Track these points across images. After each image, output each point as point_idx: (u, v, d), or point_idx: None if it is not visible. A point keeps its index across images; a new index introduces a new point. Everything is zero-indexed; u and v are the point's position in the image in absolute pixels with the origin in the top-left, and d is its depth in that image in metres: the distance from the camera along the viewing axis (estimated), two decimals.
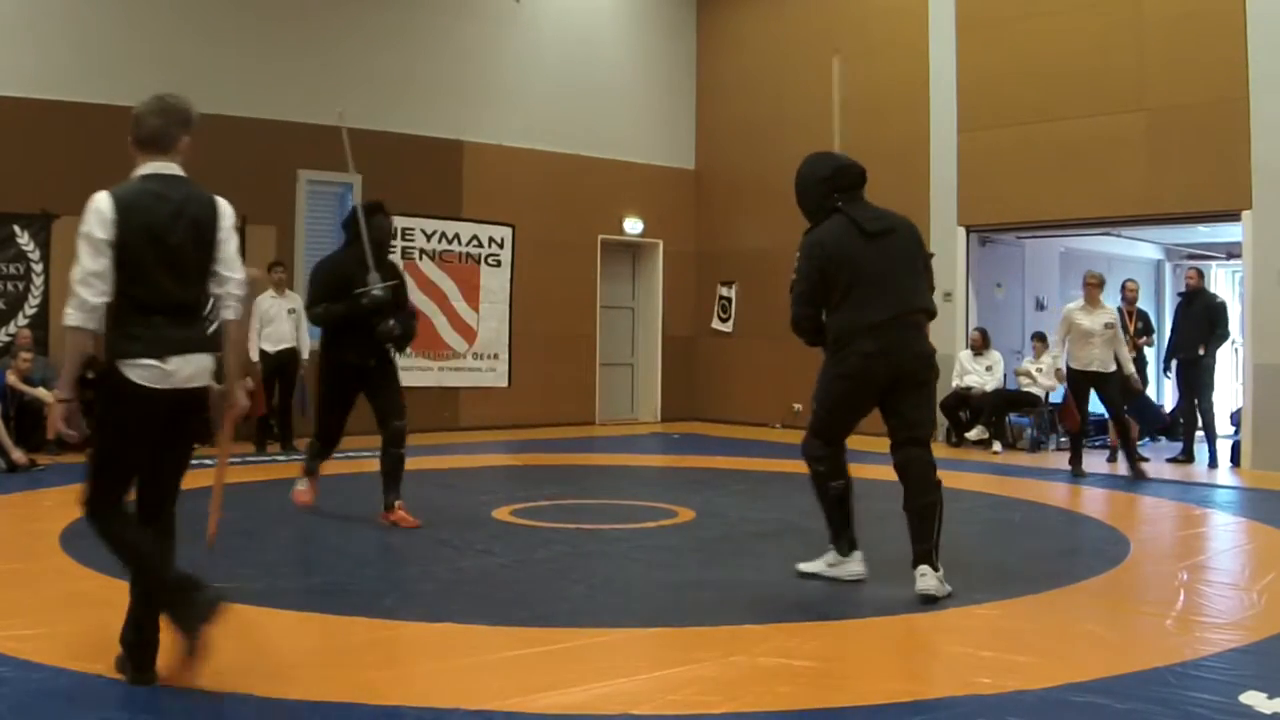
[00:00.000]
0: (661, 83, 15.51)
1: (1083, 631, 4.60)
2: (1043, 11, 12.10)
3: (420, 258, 13.28)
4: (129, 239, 3.56)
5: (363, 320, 6.73)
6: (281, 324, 11.10)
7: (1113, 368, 9.83)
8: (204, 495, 4.35)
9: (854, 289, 5.15)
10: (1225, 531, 7.41)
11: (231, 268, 3.80)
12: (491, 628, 4.55)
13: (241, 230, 12.02)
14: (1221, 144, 10.73)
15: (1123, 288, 11.76)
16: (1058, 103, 11.90)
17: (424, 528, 6.73)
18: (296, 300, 11.33)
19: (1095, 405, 10.41)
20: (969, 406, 12.39)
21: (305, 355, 11.12)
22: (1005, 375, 12.54)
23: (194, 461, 3.90)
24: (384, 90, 12.79)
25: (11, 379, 9.83)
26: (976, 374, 12.36)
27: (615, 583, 5.57)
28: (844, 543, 5.36)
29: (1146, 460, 10.14)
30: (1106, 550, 6.34)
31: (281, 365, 11.08)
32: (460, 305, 13.62)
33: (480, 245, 13.81)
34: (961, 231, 12.90)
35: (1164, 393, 13.93)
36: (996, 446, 11.88)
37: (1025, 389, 12.36)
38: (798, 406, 13.76)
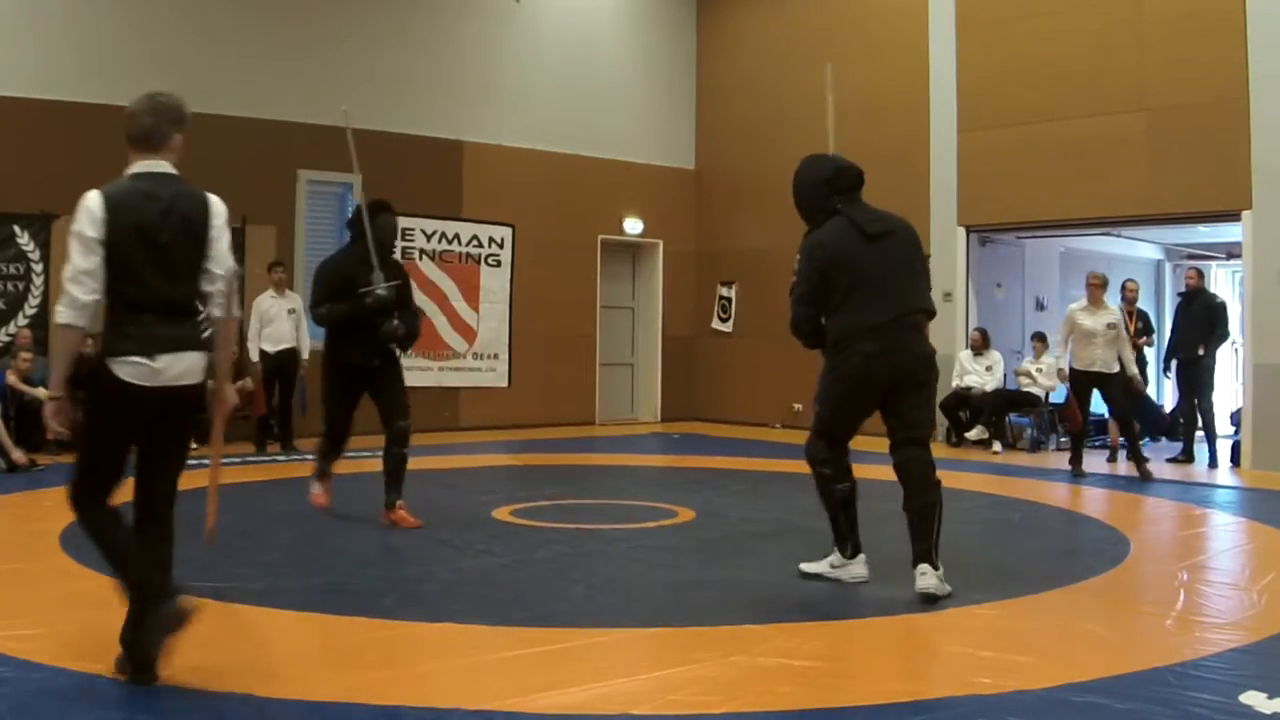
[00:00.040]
0: (661, 83, 15.51)
1: (1083, 631, 4.60)
2: (1043, 11, 12.10)
3: (420, 258, 13.28)
4: (119, 237, 3.58)
5: (366, 320, 6.71)
6: (281, 324, 11.10)
7: (1116, 368, 9.82)
8: (203, 496, 4.34)
9: (855, 291, 5.15)
10: (1225, 531, 7.41)
11: (223, 265, 3.79)
12: (491, 628, 4.55)
13: (241, 230, 12.12)
14: (1221, 144, 10.73)
15: (1122, 288, 11.76)
16: (1058, 103, 11.90)
17: (424, 528, 6.73)
18: (296, 300, 11.34)
19: (1096, 406, 10.41)
20: (969, 406, 12.39)
21: (305, 355, 11.13)
22: (1005, 375, 12.54)
23: (193, 461, 3.90)
24: (384, 90, 12.79)
25: (11, 379, 9.83)
26: (976, 374, 12.36)
27: (615, 583, 5.57)
28: (848, 546, 5.37)
29: (1148, 460, 10.14)
30: (1106, 550, 6.34)
31: (281, 365, 11.08)
32: (460, 305, 13.62)
33: (480, 245, 13.81)
34: (961, 231, 12.90)
35: (1164, 393, 13.93)
36: (996, 446, 11.89)
37: (1025, 389, 12.36)
38: (798, 406, 13.76)
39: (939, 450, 11.63)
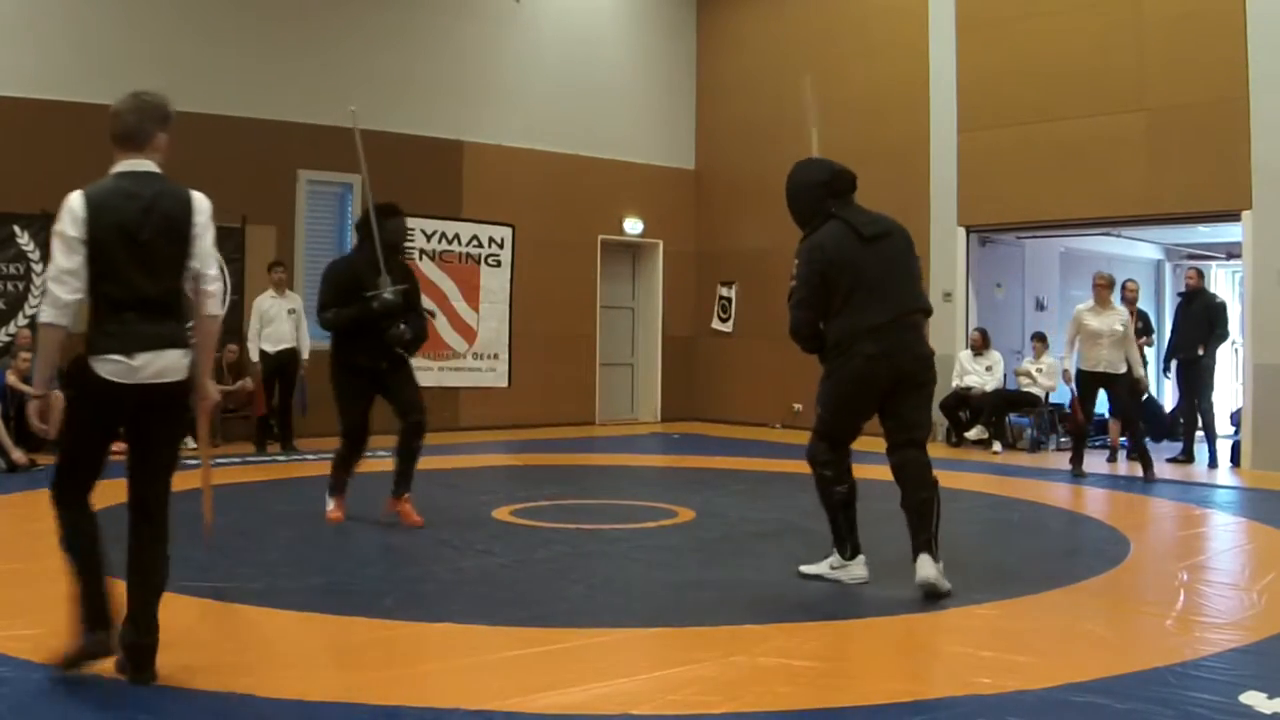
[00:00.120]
0: (661, 83, 15.51)
1: (1083, 631, 4.60)
2: (1043, 11, 12.10)
3: (420, 258, 13.27)
4: (100, 236, 3.60)
5: (373, 324, 6.68)
6: (281, 324, 11.10)
7: (1122, 369, 9.77)
8: (200, 495, 4.35)
9: (855, 293, 5.16)
10: (1225, 531, 7.41)
11: (205, 263, 3.79)
12: (491, 628, 4.55)
13: (241, 230, 12.12)
14: (1221, 144, 10.73)
15: (1122, 288, 11.73)
16: (1058, 103, 11.90)
17: (425, 527, 6.73)
18: (296, 300, 11.34)
19: (1097, 405, 10.40)
20: (969, 406, 12.39)
21: (305, 355, 11.13)
22: (1005, 375, 12.54)
23: (191, 461, 3.90)
24: (384, 90, 12.78)
25: (11, 379, 9.83)
26: (976, 374, 12.36)
27: (615, 583, 5.57)
28: (847, 547, 5.37)
29: (1152, 464, 10.11)
30: (1106, 550, 6.34)
31: (281, 365, 11.08)
32: (460, 305, 13.62)
33: (480, 245, 13.80)
34: (961, 231, 12.89)
35: (1164, 393, 13.93)
36: (996, 446, 11.89)
37: (1025, 389, 12.36)
38: (798, 406, 13.76)
39: (939, 450, 11.65)
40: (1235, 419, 11.97)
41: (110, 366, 3.60)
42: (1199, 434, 11.02)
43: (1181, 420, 11.53)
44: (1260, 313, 10.59)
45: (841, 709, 3.60)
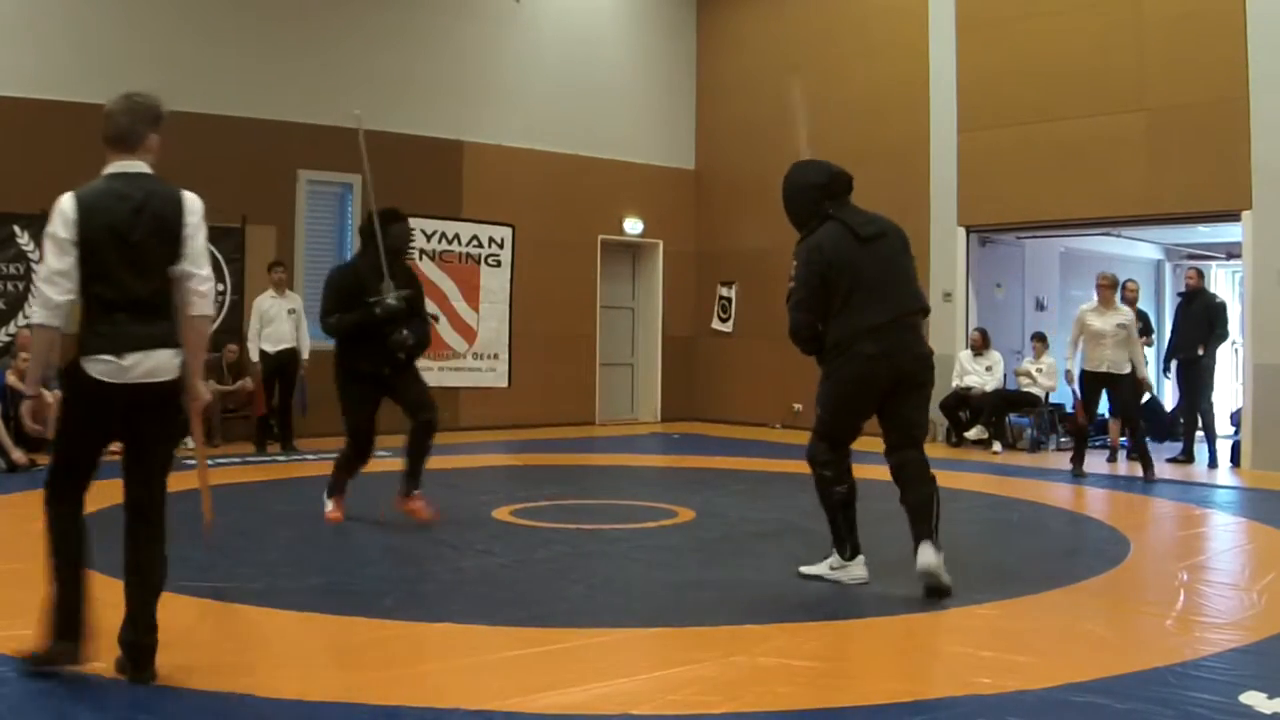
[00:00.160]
0: (661, 83, 15.51)
1: (1083, 631, 4.60)
2: (1043, 11, 12.10)
3: (420, 258, 13.26)
4: (91, 237, 3.62)
5: (376, 329, 6.68)
6: (281, 324, 11.10)
7: (1126, 369, 9.75)
8: (198, 494, 4.35)
9: (854, 294, 5.17)
10: (1225, 531, 7.41)
11: (197, 264, 3.79)
12: (491, 628, 4.55)
13: (241, 230, 12.11)
14: (1221, 144, 10.73)
15: (1122, 287, 11.72)
16: (1058, 103, 11.90)
17: (424, 527, 6.73)
18: (296, 300, 11.34)
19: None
20: (969, 406, 12.39)
21: (305, 355, 11.13)
22: (1005, 375, 12.54)
23: (190, 461, 3.90)
24: (384, 90, 12.78)
25: (11, 379, 9.83)
26: (976, 374, 12.36)
27: (615, 583, 5.57)
28: (847, 547, 5.37)
29: (1153, 465, 10.10)
30: (1106, 550, 6.34)
31: (281, 365, 11.08)
32: (460, 305, 13.61)
33: (480, 245, 13.80)
34: (961, 231, 12.89)
35: (1164, 393, 13.92)
36: (996, 446, 11.88)
37: (1025, 389, 12.36)
38: (798, 406, 13.76)
39: (939, 450, 11.65)
40: (1235, 419, 11.97)
41: (101, 366, 3.62)
42: (1199, 434, 11.02)
43: (1181, 420, 11.53)
44: (1260, 313, 10.59)
45: (841, 709, 3.60)
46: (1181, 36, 11.00)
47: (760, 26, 14.97)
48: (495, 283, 13.91)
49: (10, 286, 10.83)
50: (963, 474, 9.34)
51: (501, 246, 13.94)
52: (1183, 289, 11.80)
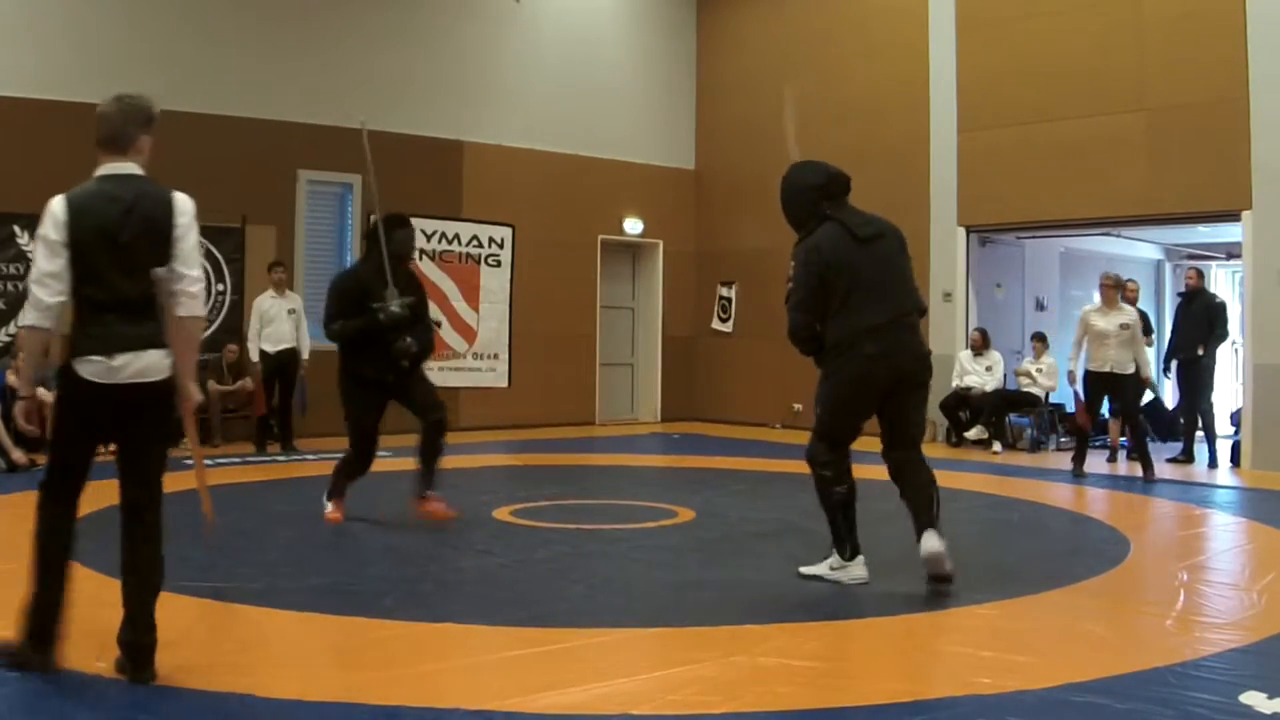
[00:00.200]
0: (661, 83, 15.51)
1: (1083, 631, 4.60)
2: (1043, 11, 12.10)
3: (420, 258, 13.26)
4: (81, 239, 3.64)
5: (380, 336, 6.66)
6: (281, 324, 11.10)
7: (1129, 369, 9.72)
8: (198, 497, 4.34)
9: (852, 294, 5.18)
10: (1225, 531, 7.41)
11: (188, 264, 3.78)
12: (491, 628, 4.55)
13: (241, 230, 12.11)
14: (1221, 144, 10.73)
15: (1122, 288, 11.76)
16: (1058, 103, 11.90)
17: (424, 527, 6.73)
18: (296, 300, 11.35)
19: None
20: (969, 406, 12.38)
21: (305, 355, 11.14)
22: (1005, 375, 12.54)
23: (188, 462, 3.90)
24: (384, 90, 12.78)
25: (11, 379, 9.82)
26: (976, 374, 12.36)
27: (615, 583, 5.57)
28: (847, 547, 5.37)
29: (1153, 466, 10.09)
30: (1106, 550, 6.34)
31: (281, 365, 11.08)
32: (460, 305, 13.62)
33: (480, 245, 13.81)
34: (961, 231, 12.89)
35: (1164, 393, 13.92)
36: (996, 446, 11.88)
37: (1025, 389, 12.36)
38: (798, 406, 13.76)
39: (939, 450, 11.64)
40: (1235, 419, 11.97)
41: (91, 367, 3.64)
42: (1199, 434, 11.01)
43: (1182, 420, 11.53)
44: (1260, 313, 10.59)
45: (841, 709, 3.60)
46: (1181, 36, 11.00)
47: (760, 26, 14.97)
48: (495, 283, 13.92)
49: (10, 286, 10.83)
50: (963, 474, 9.34)
51: (501, 246, 13.94)
52: (1183, 289, 11.80)
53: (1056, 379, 12.27)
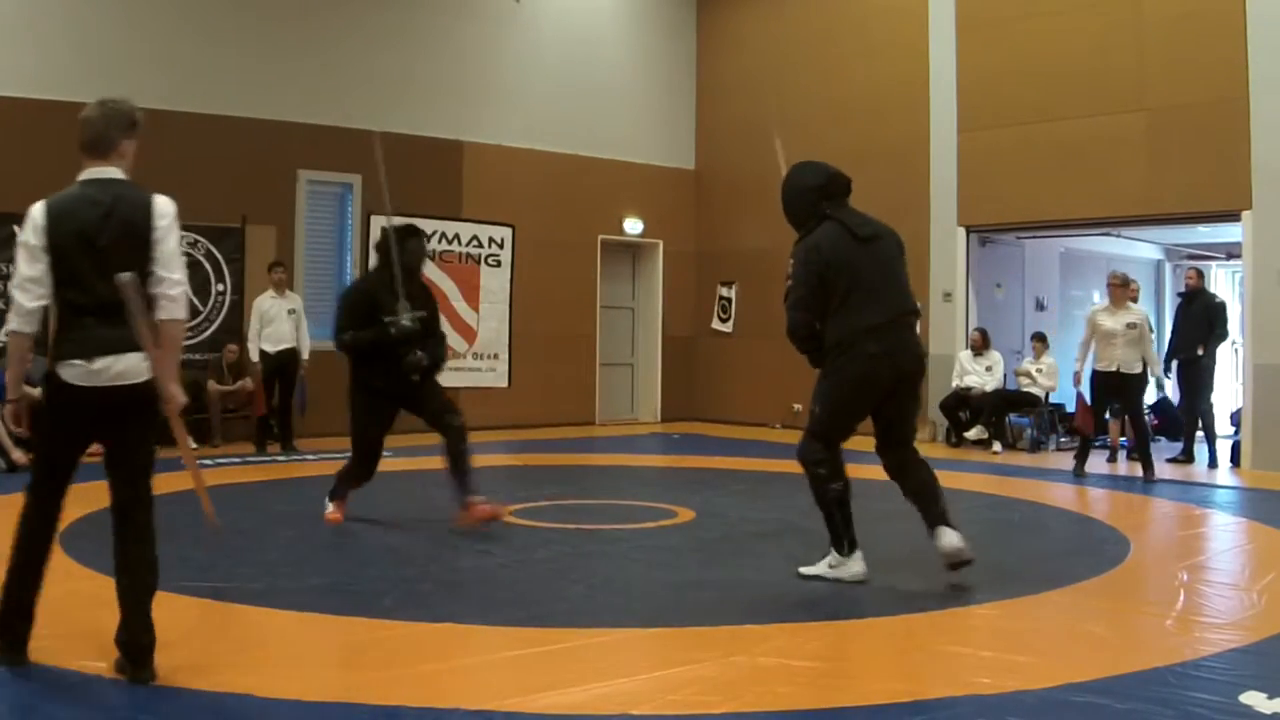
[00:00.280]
0: (661, 83, 15.51)
1: (1083, 631, 4.60)
2: (1043, 11, 12.10)
3: None
4: (60, 243, 3.67)
5: (391, 348, 6.64)
6: (281, 324, 11.10)
7: (1137, 368, 9.68)
8: (197, 499, 4.34)
9: (852, 293, 5.20)
10: (1225, 531, 7.41)
11: (168, 267, 3.78)
12: (491, 628, 4.55)
13: (241, 230, 12.11)
14: (1221, 144, 10.72)
15: None
16: (1058, 103, 11.90)
17: (424, 528, 6.73)
18: (297, 300, 11.34)
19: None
20: (969, 406, 12.38)
21: (305, 355, 11.14)
22: (1005, 375, 12.54)
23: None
24: (384, 90, 12.79)
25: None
26: (976, 374, 12.35)
27: (615, 583, 5.57)
28: (844, 543, 5.37)
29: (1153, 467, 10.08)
30: (1106, 550, 6.34)
31: (281, 365, 11.07)
32: (460, 305, 13.62)
33: (480, 245, 13.81)
34: (961, 231, 12.89)
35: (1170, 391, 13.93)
36: (996, 446, 11.88)
37: (1025, 389, 12.36)
38: (798, 406, 13.74)
39: (939, 450, 11.64)
40: (1235, 419, 11.96)
41: (72, 371, 3.68)
42: (1199, 434, 11.01)
43: (1182, 420, 11.52)
44: (1260, 313, 10.59)
45: (841, 709, 3.60)
46: (1181, 36, 11.00)
47: (760, 26, 14.97)
48: (495, 283, 13.92)
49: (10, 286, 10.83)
50: (963, 474, 9.34)
51: (501, 246, 13.95)
52: (1183, 289, 11.80)
53: (1056, 379, 12.27)
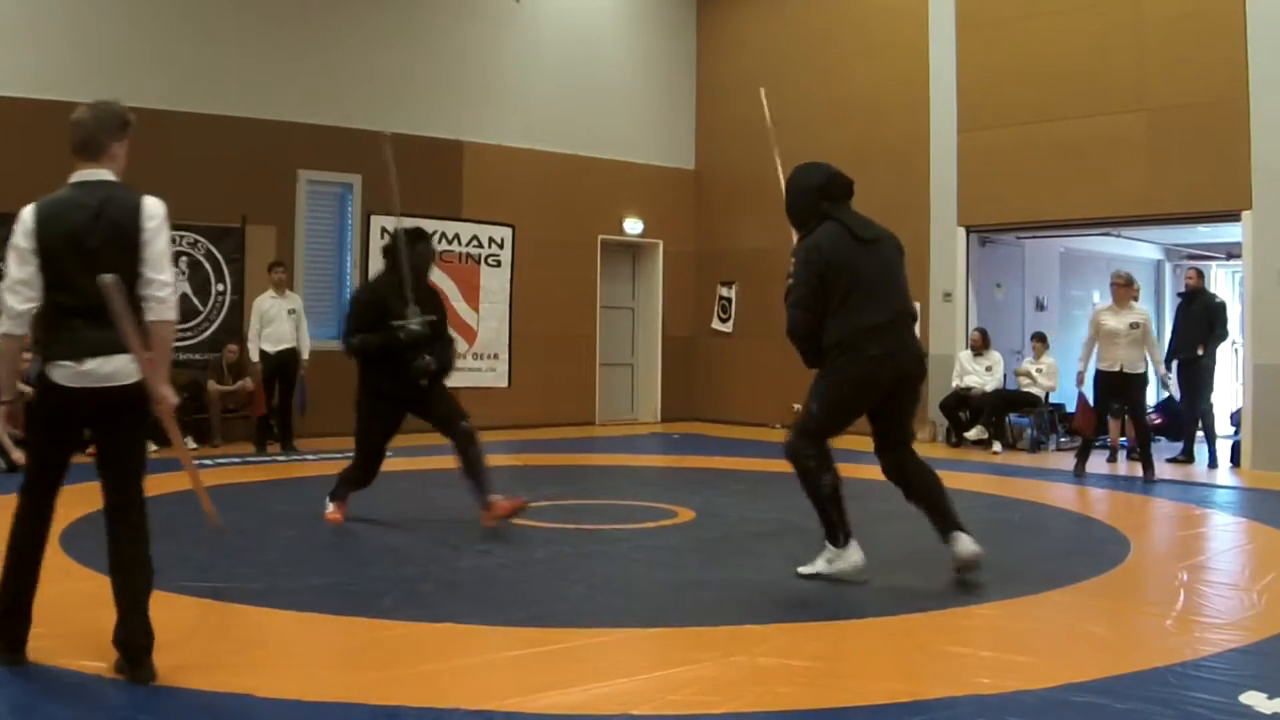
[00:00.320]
0: (661, 83, 15.51)
1: (1083, 631, 4.60)
2: (1043, 11, 12.10)
3: None
4: (49, 246, 3.69)
5: (399, 352, 6.63)
6: (281, 324, 11.10)
7: (1140, 368, 9.67)
8: (194, 496, 4.34)
9: (852, 294, 5.21)
10: (1225, 531, 7.41)
11: (157, 269, 3.77)
12: (491, 628, 4.55)
13: (241, 230, 12.10)
14: (1221, 144, 10.72)
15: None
16: (1058, 103, 11.90)
17: (424, 528, 6.72)
18: (296, 300, 11.34)
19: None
20: (969, 406, 12.38)
21: (305, 355, 11.13)
22: (1005, 375, 12.54)
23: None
24: (384, 90, 12.79)
25: None
26: (976, 374, 12.35)
27: (615, 583, 5.57)
28: (840, 534, 5.36)
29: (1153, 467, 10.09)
30: (1106, 550, 6.34)
31: (281, 365, 11.07)
32: (460, 305, 13.62)
33: (480, 245, 13.81)
34: (961, 231, 12.89)
35: (1160, 393, 13.92)
36: (996, 446, 11.88)
37: (1025, 389, 12.36)
38: (797, 406, 13.68)
39: (939, 450, 11.64)
40: (1235, 419, 11.96)
41: (61, 372, 3.69)
42: (1199, 434, 11.01)
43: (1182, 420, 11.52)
44: (1260, 313, 10.59)
45: (841, 709, 3.60)
46: (1181, 36, 11.00)
47: (760, 26, 14.97)
48: (495, 283, 13.92)
49: None
50: (963, 474, 9.33)
51: (501, 246, 13.95)
52: (1183, 289, 11.80)
53: (1056, 379, 12.27)
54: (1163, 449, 11.40)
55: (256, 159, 11.90)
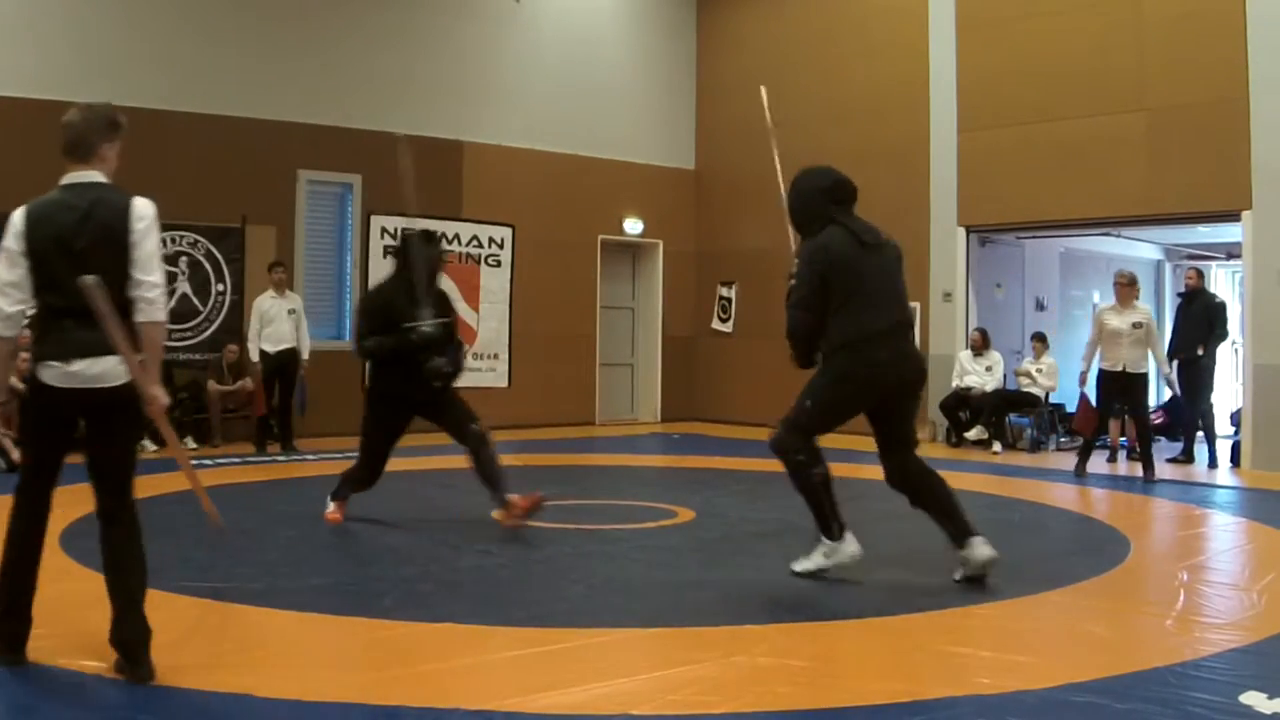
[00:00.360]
0: (661, 83, 15.50)
1: (1083, 631, 4.60)
2: (1043, 11, 12.10)
3: None
4: (39, 248, 3.70)
5: (411, 354, 6.63)
6: (281, 324, 11.09)
7: (1143, 368, 9.66)
8: (194, 496, 4.35)
9: (853, 297, 5.22)
10: (1225, 531, 7.41)
11: (146, 270, 3.76)
12: (491, 628, 4.55)
13: (241, 230, 12.09)
14: (1221, 144, 10.72)
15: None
16: (1058, 103, 11.90)
17: (424, 528, 6.72)
18: (296, 300, 11.34)
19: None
20: (969, 406, 12.38)
21: (305, 355, 11.13)
22: (1005, 375, 12.54)
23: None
24: (384, 90, 12.79)
25: (11, 379, 9.82)
26: (976, 374, 12.35)
27: (615, 583, 5.57)
28: (834, 526, 5.35)
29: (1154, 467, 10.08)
30: (1106, 550, 6.34)
31: (281, 365, 11.07)
32: (460, 305, 13.52)
33: (480, 245, 13.81)
34: (961, 231, 12.89)
35: (1163, 393, 13.92)
36: (996, 446, 11.87)
37: (1025, 389, 12.35)
38: None
39: (939, 450, 11.64)
40: (1235, 419, 11.96)
41: (51, 372, 3.71)
42: (1199, 434, 11.01)
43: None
44: (1260, 313, 10.59)
45: (841, 709, 3.60)
46: (1181, 36, 11.00)
47: (760, 26, 14.96)
48: (495, 283, 13.92)
49: None
50: (963, 474, 9.31)
51: (501, 246, 13.95)
52: (1183, 289, 11.80)
53: (1056, 379, 12.26)
54: (1163, 449, 11.40)
55: (256, 159, 11.90)
